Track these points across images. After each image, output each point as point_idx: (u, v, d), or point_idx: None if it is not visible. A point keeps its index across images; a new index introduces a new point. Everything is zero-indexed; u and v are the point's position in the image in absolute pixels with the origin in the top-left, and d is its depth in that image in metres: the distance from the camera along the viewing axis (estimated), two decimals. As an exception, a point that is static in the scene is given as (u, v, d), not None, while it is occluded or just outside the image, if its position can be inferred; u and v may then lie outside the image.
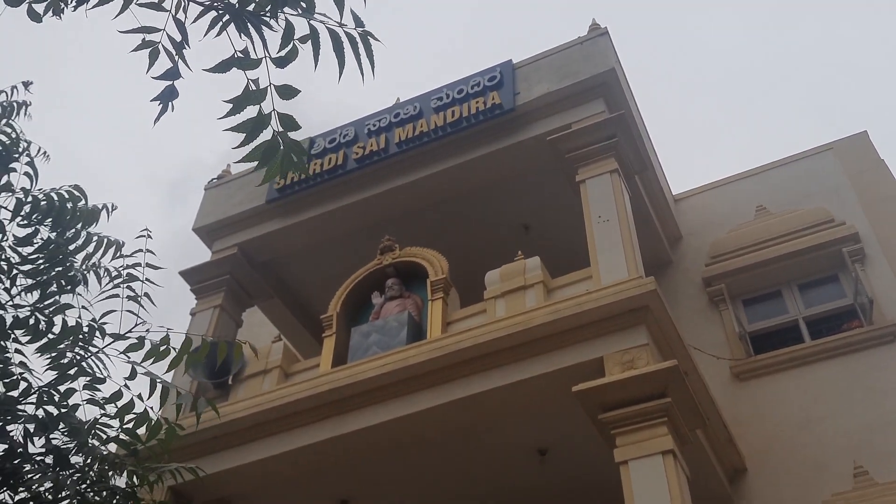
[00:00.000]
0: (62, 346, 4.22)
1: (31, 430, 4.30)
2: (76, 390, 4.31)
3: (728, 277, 10.78)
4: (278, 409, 8.51)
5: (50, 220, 4.35)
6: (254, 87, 2.68)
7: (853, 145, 11.68)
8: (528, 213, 11.00)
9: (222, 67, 2.68)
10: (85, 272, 4.38)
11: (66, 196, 4.42)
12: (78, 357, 4.20)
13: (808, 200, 11.26)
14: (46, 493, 4.23)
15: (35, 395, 4.28)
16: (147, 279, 4.37)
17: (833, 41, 38.07)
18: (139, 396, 4.24)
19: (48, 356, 4.25)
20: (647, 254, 9.70)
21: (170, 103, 2.84)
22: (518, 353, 7.70)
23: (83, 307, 4.34)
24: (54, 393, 4.29)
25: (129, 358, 4.11)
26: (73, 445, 4.33)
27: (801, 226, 10.82)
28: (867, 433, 8.74)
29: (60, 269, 4.32)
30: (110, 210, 4.54)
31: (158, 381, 4.07)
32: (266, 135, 2.77)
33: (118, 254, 4.41)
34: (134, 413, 4.30)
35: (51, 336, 4.30)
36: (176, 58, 2.81)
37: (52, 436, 4.32)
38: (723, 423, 8.47)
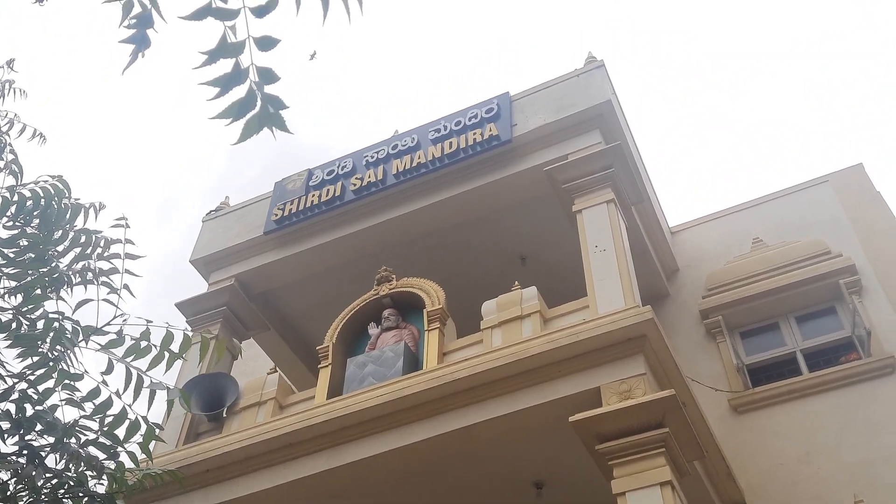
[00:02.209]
0: (41, 345, 4.11)
1: (4, 429, 4.18)
2: (55, 390, 4.20)
3: (725, 309, 10.73)
4: (273, 441, 8.39)
5: (36, 220, 4.27)
6: (232, 39, 2.62)
7: (849, 178, 11.70)
8: (525, 243, 10.99)
9: (198, 15, 2.63)
10: (70, 274, 4.29)
11: (52, 191, 4.33)
12: (55, 354, 4.09)
13: (804, 232, 11.25)
14: (19, 496, 4.11)
15: (14, 395, 4.17)
16: (127, 270, 4.26)
17: (827, 74, 38.42)
18: (116, 393, 4.11)
19: (24, 354, 4.13)
20: (643, 286, 9.66)
21: (140, 52, 2.77)
22: (515, 384, 7.62)
23: (62, 313, 4.22)
24: (32, 394, 4.18)
25: (109, 354, 3.99)
26: (47, 445, 4.21)
27: (798, 258, 10.79)
28: (867, 466, 8.63)
29: (45, 269, 4.23)
30: (98, 209, 4.45)
31: (134, 370, 3.93)
32: (243, 90, 2.69)
33: (106, 252, 4.30)
34: (111, 414, 4.17)
35: (27, 332, 4.17)
36: (149, 7, 2.76)
37: (28, 437, 4.21)
38: (721, 455, 8.36)
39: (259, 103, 2.73)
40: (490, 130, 10.44)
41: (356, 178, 10.97)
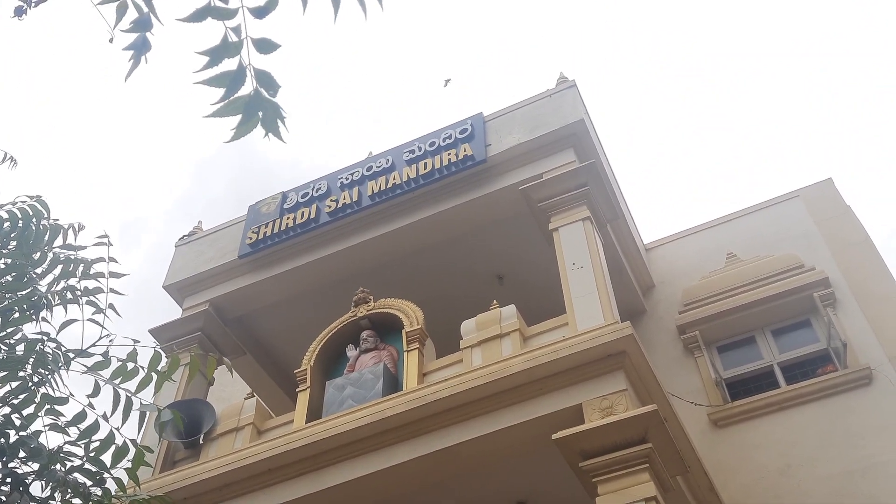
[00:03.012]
0: (23, 369, 3.99)
1: None
2: (38, 415, 4.08)
3: (702, 324, 10.78)
4: (251, 468, 8.28)
5: (14, 241, 4.18)
6: (233, 38, 2.59)
7: (819, 193, 11.84)
8: (502, 262, 11.00)
9: (197, 17, 2.60)
10: (50, 297, 4.19)
11: (30, 212, 4.25)
12: (38, 377, 3.97)
13: (777, 247, 11.35)
14: None
15: None
16: (111, 289, 4.18)
17: (796, 90, 39.06)
18: (104, 416, 4.00)
19: (5, 379, 4.01)
20: (621, 303, 9.68)
21: (142, 56, 2.73)
22: (496, 403, 7.61)
23: (47, 334, 4.11)
24: (15, 419, 4.06)
25: (96, 376, 3.88)
26: (32, 472, 4.09)
27: (772, 272, 10.88)
28: (847, 477, 8.67)
29: (25, 291, 4.13)
30: (77, 229, 4.37)
31: (122, 391, 3.83)
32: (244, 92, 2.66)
33: (90, 270, 4.21)
34: (98, 439, 4.05)
35: (7, 355, 4.06)
36: (145, 10, 2.72)
37: (11, 464, 4.08)
38: (703, 470, 8.35)
39: (261, 106, 2.70)
40: (465, 150, 10.47)
41: (331, 200, 10.93)
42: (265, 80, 2.67)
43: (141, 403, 3.87)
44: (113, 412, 3.93)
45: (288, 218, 11.05)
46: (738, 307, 10.67)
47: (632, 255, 11.32)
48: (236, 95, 2.66)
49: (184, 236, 12.21)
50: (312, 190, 11.24)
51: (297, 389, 9.28)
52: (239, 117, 2.69)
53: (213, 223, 12.32)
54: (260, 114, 2.67)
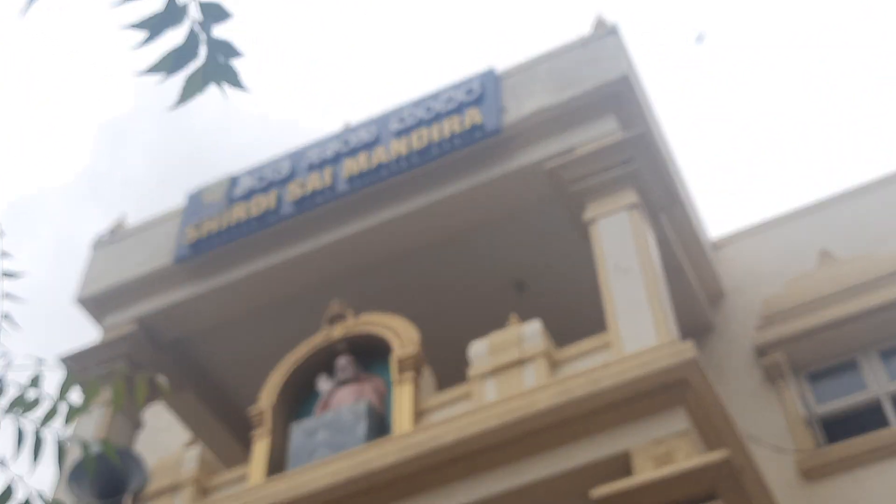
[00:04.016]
0: None
1: None
2: None
3: (787, 344, 10.75)
4: (194, 538, 8.30)
5: None
6: None
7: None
8: (521, 265, 10.99)
9: None
10: None
11: None
12: None
13: (884, 242, 11.33)
14: None
15: None
16: (6, 293, 4.14)
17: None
18: (0, 461, 3.96)
19: None
20: (680, 316, 9.67)
21: None
22: (516, 450, 7.65)
23: None
24: None
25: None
26: None
27: (878, 274, 10.86)
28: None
29: None
30: None
31: (28, 423, 3.79)
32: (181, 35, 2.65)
33: None
34: None
35: None
36: None
37: None
38: (791, 536, 8.36)
39: (204, 51, 2.68)
40: (471, 118, 10.47)
41: (296, 186, 10.93)
42: (212, 11, 2.65)
43: (59, 437, 3.82)
44: (18, 453, 3.88)
45: (239, 209, 11.05)
46: (834, 322, 10.65)
47: (694, 253, 11.30)
48: (177, 43, 2.65)
49: (102, 234, 12.22)
50: (271, 172, 11.23)
51: (253, 434, 9.28)
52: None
53: (136, 208, 12.31)
54: (203, 58, 2.65)
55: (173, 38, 2.71)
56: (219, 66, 2.70)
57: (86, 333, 11.63)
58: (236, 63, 2.74)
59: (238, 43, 2.73)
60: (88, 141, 39.74)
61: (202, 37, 2.70)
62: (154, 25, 2.66)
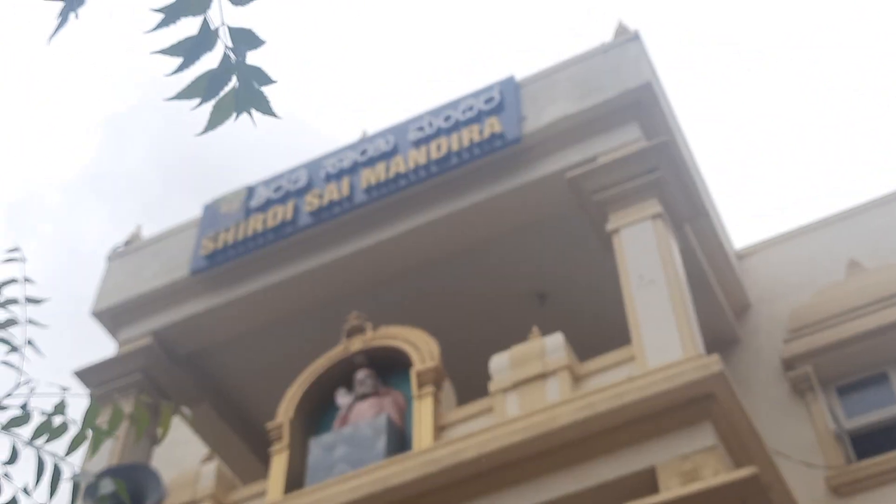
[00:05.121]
0: None
1: None
2: None
3: (816, 357, 10.69)
4: (211, 555, 8.31)
5: None
6: None
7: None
8: (543, 276, 10.97)
9: None
10: None
11: None
12: None
13: (915, 251, 11.27)
14: None
15: None
16: (29, 320, 4.14)
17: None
18: (25, 490, 3.97)
19: None
20: (705, 329, 9.64)
21: (71, 12, 2.71)
22: (539, 466, 7.64)
23: None
24: None
25: (13, 436, 3.86)
26: None
27: (910, 285, 10.79)
28: None
29: None
30: None
31: (47, 456, 3.80)
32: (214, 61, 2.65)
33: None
34: None
35: None
36: None
37: None
38: (821, 554, 8.32)
39: (235, 77, 2.68)
40: (491, 127, 10.48)
41: (313, 196, 10.96)
42: (244, 39, 2.65)
43: (74, 472, 3.83)
44: (37, 484, 3.89)
45: (256, 220, 11.08)
46: (864, 333, 10.59)
47: (719, 264, 11.26)
48: (209, 68, 2.65)
49: (118, 246, 12.29)
50: (288, 182, 11.26)
51: (272, 450, 9.31)
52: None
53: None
54: (235, 84, 2.65)
55: (205, 63, 2.73)
56: (251, 93, 2.69)
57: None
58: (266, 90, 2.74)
59: (270, 69, 2.73)
60: (91, 138, 39.81)
61: (234, 62, 2.70)
62: (188, 51, 2.66)
